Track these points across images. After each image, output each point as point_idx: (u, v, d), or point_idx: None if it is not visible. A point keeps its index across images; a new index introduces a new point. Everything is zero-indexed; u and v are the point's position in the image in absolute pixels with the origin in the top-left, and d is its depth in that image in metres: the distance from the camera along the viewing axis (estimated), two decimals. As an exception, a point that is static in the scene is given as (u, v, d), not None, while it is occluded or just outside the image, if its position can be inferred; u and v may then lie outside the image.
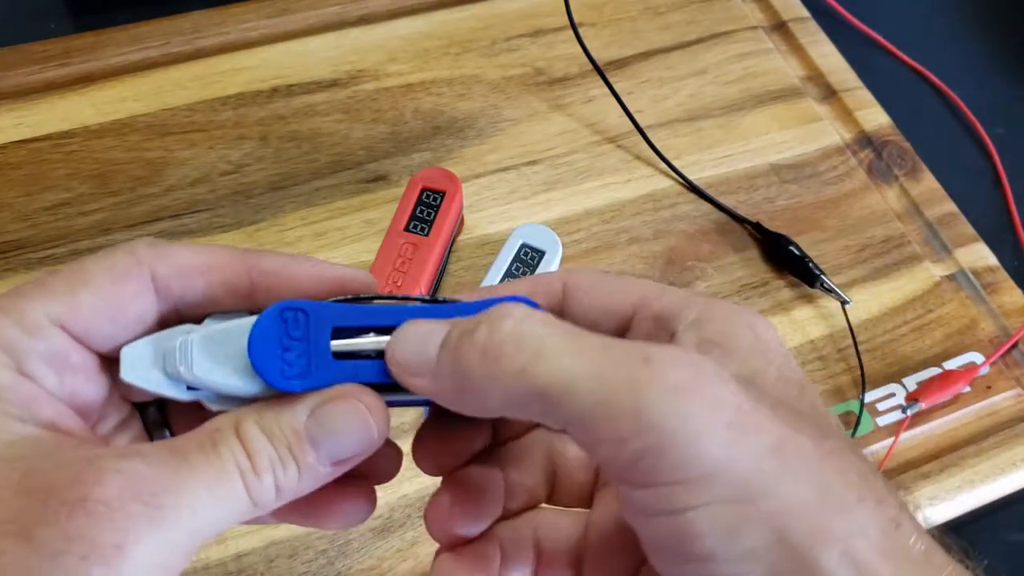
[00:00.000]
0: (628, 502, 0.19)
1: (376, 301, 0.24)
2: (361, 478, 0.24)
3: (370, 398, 0.22)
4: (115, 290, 0.22)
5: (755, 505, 0.18)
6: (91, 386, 0.22)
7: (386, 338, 0.22)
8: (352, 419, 0.21)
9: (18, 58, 0.54)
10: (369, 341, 0.22)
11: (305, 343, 0.22)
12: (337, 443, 0.21)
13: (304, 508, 0.24)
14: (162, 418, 0.25)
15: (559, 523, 0.26)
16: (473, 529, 0.25)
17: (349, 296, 0.24)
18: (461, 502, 0.25)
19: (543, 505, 0.27)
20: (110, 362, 0.23)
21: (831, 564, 0.18)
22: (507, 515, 0.26)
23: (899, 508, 0.19)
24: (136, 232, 0.48)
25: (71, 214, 0.48)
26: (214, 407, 0.23)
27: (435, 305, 0.23)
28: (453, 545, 0.25)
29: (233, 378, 0.22)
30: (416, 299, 0.24)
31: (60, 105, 0.52)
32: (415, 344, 0.21)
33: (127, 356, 0.22)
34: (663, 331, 0.22)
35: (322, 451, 0.21)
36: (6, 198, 0.49)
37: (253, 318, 0.22)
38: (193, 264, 0.23)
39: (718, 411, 0.18)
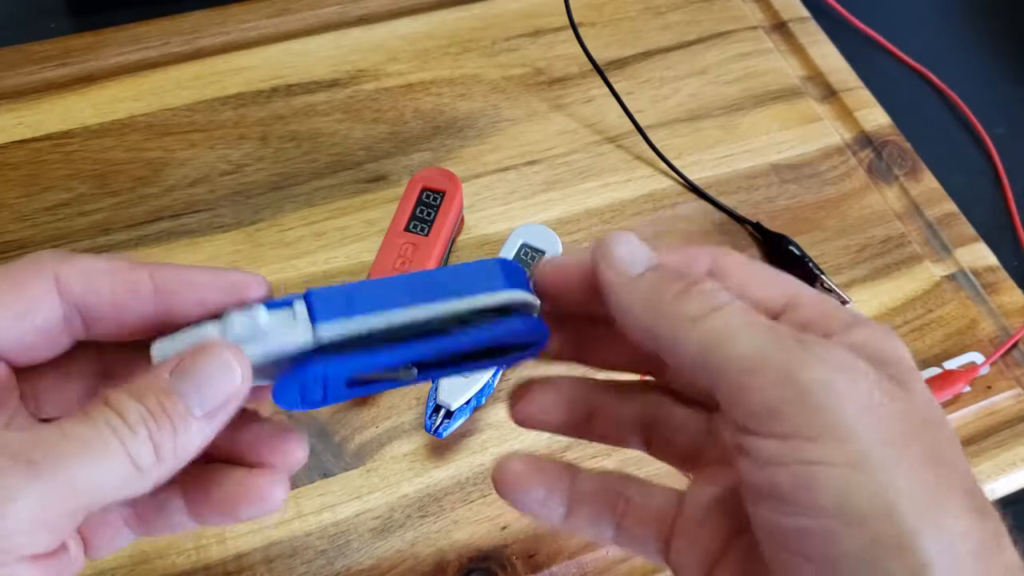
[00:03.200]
0: (753, 451, 0.21)
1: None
2: (268, 466, 0.25)
3: (229, 348, 0.23)
4: (19, 292, 0.23)
5: (874, 477, 0.19)
6: None
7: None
8: (213, 364, 0.22)
9: (18, 58, 0.54)
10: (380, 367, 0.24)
11: (323, 392, 0.25)
12: (202, 390, 0.22)
13: (215, 495, 0.25)
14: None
15: (650, 491, 0.27)
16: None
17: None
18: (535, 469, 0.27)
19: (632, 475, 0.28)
20: (11, 355, 0.24)
21: (931, 553, 0.19)
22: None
23: (999, 522, 0.21)
24: (136, 232, 0.48)
25: (71, 214, 0.48)
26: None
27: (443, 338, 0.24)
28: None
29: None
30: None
31: (60, 105, 0.52)
32: (627, 250, 0.24)
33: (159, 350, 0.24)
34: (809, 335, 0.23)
35: (190, 400, 0.22)
36: (6, 198, 0.49)
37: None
38: (95, 267, 0.24)
39: (856, 388, 0.20)
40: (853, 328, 0.23)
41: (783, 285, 0.24)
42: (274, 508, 0.25)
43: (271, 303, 0.24)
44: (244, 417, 0.26)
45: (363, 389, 0.25)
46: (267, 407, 0.26)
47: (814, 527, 0.20)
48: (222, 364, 0.22)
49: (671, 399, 0.28)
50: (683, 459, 0.28)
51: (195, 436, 0.22)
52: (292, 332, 0.23)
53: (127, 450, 0.21)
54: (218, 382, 0.22)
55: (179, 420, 0.22)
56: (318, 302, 0.23)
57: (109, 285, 0.24)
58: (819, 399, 0.20)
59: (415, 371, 0.25)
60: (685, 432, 0.27)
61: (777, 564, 0.21)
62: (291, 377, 0.24)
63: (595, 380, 0.28)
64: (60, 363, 0.25)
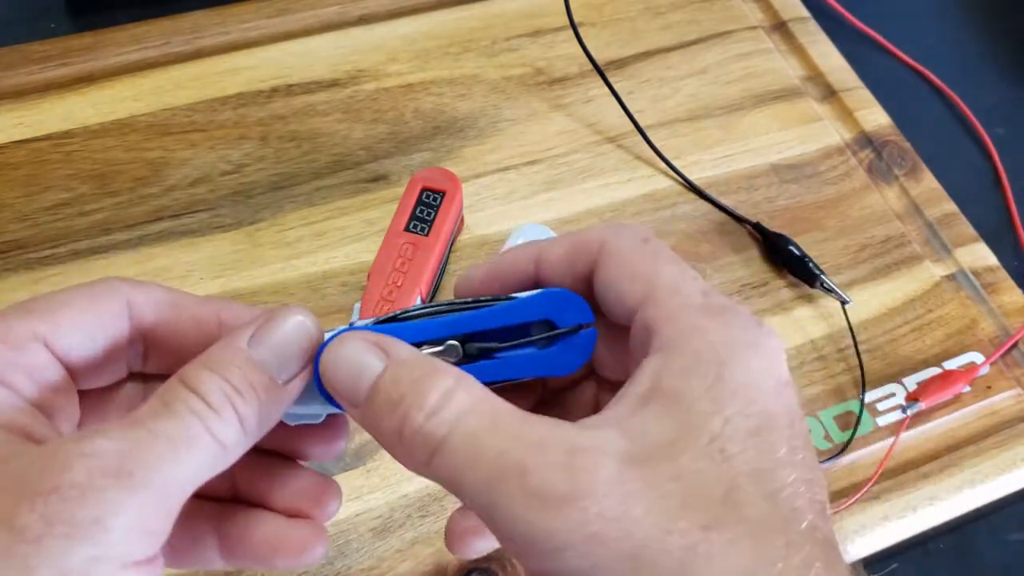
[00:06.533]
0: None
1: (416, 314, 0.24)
2: (306, 515, 0.25)
3: (301, 310, 0.23)
4: (94, 312, 0.23)
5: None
6: (62, 398, 0.23)
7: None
8: (290, 329, 0.22)
9: (18, 58, 0.54)
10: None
11: None
12: (283, 356, 0.22)
13: (253, 540, 0.25)
14: None
15: None
16: None
17: (390, 315, 0.24)
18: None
19: None
20: (78, 375, 0.24)
21: None
22: None
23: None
24: (136, 232, 0.48)
25: (71, 214, 0.48)
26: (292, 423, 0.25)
27: (479, 310, 0.24)
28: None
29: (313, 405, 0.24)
30: (452, 305, 0.24)
31: (60, 105, 0.52)
32: (347, 374, 0.22)
33: None
34: (646, 345, 0.22)
35: (272, 368, 0.22)
36: (6, 198, 0.49)
37: None
38: (165, 298, 0.24)
39: (579, 527, 0.19)
40: (668, 355, 0.21)
41: (648, 273, 0.23)
42: (314, 561, 0.25)
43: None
44: (283, 465, 0.26)
45: None
46: (306, 456, 0.26)
47: None
48: (298, 326, 0.22)
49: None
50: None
51: (279, 405, 0.22)
52: None
53: (214, 434, 0.21)
54: (297, 346, 0.22)
55: (264, 392, 0.21)
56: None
57: (177, 317, 0.24)
58: (536, 550, 0.19)
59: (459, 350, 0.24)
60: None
61: None
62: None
63: None
64: (106, 390, 0.25)
